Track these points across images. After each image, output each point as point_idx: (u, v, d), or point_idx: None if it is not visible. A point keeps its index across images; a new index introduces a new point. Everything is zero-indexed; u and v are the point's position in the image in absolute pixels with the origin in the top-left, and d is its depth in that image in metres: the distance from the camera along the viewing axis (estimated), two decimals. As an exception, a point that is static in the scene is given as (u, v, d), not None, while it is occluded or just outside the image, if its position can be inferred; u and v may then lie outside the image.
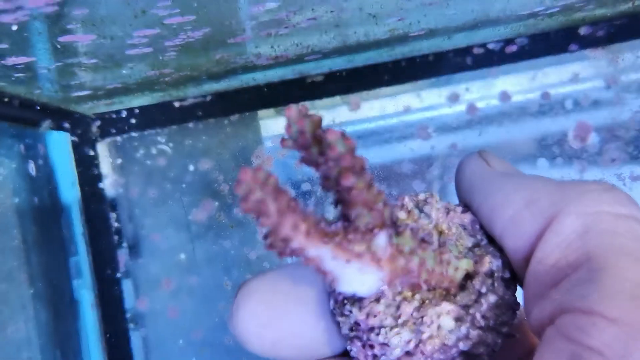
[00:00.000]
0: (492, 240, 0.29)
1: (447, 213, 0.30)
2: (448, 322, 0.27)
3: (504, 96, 0.72)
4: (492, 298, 0.28)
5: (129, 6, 0.43)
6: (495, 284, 0.28)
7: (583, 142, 0.71)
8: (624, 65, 0.71)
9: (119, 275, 0.76)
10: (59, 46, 0.47)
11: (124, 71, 0.60)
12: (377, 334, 0.28)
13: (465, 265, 0.28)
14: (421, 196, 0.31)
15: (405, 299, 0.28)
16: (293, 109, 0.24)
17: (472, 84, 0.73)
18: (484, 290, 0.28)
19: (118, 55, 0.54)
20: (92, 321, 0.75)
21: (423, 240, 0.28)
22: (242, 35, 0.55)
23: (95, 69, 0.56)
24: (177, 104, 0.74)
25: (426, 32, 0.65)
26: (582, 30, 0.70)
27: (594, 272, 0.24)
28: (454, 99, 0.73)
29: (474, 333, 0.27)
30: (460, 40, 0.70)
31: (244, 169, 0.22)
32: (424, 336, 0.27)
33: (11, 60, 0.49)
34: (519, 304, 0.29)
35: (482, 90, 0.73)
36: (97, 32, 0.46)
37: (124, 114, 0.74)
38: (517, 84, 0.73)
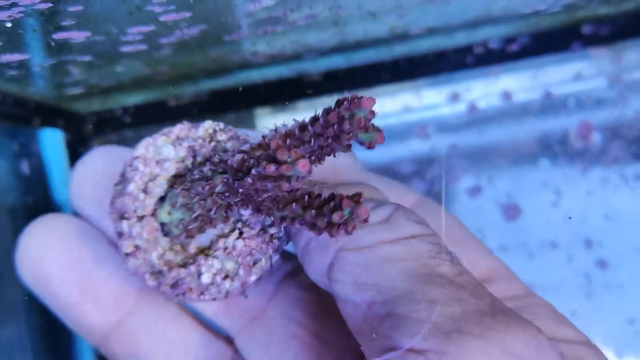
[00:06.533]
0: None
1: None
2: None
3: (505, 95, 0.72)
4: None
5: (124, 3, 0.42)
6: None
7: (585, 141, 0.70)
8: (627, 64, 0.70)
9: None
10: (53, 43, 0.47)
11: (118, 69, 0.59)
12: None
13: None
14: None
15: None
16: None
17: (472, 83, 0.72)
18: None
19: (112, 52, 0.53)
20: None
21: None
22: (238, 33, 0.55)
23: (89, 66, 0.56)
24: (172, 103, 0.74)
25: (426, 30, 0.65)
26: (585, 29, 0.70)
27: (389, 306, 0.25)
28: (454, 98, 0.73)
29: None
30: (460, 39, 0.70)
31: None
32: None
33: (5, 58, 0.49)
34: None
35: (483, 90, 0.72)
36: (91, 29, 0.46)
37: (118, 113, 0.74)
38: (518, 83, 0.72)
